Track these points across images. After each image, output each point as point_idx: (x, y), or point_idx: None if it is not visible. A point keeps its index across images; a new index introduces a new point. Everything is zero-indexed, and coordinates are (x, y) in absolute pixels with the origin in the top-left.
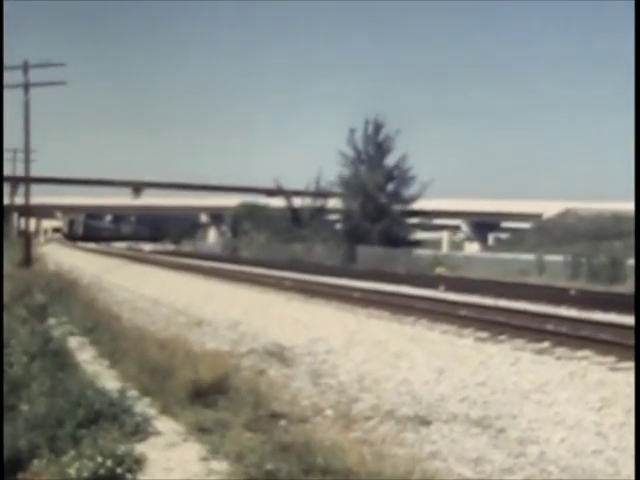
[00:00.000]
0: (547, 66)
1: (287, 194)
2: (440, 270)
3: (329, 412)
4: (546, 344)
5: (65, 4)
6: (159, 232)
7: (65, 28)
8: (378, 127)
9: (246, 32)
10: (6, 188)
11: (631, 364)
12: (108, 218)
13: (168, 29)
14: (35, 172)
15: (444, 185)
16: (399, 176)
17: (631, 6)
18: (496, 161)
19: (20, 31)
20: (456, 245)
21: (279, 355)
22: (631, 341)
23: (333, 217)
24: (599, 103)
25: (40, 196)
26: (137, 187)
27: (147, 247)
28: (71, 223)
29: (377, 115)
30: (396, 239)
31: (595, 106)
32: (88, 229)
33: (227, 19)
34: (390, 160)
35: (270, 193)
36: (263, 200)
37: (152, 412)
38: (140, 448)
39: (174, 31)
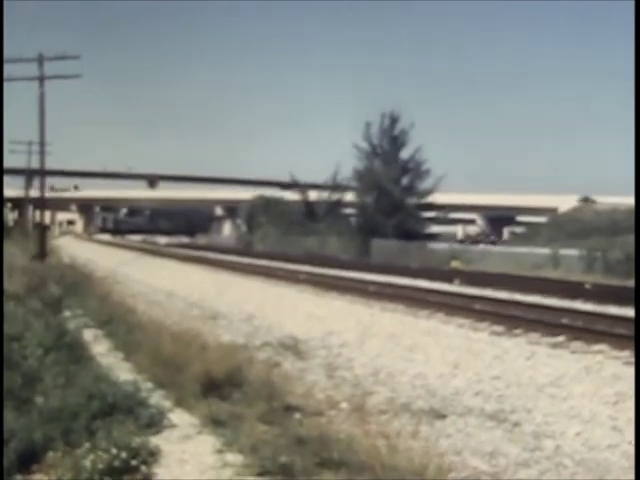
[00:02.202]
0: (562, 62)
1: (302, 187)
2: (455, 264)
3: (344, 405)
4: (561, 338)
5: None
6: (185, 226)
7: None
8: (394, 120)
9: (262, 27)
10: (21, 181)
11: None
12: (124, 211)
13: (187, 29)
14: (50, 165)
15: (459, 179)
16: (414, 169)
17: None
18: (511, 155)
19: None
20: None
21: (293, 348)
22: None
23: (348, 211)
24: (615, 99)
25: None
26: (152, 180)
27: (162, 240)
28: (104, 221)
29: (393, 109)
30: (411, 232)
31: (611, 103)
32: (118, 224)
33: (247, 20)
34: (405, 153)
35: (285, 186)
36: (278, 193)
37: (167, 404)
38: (155, 440)
39: (193, 30)
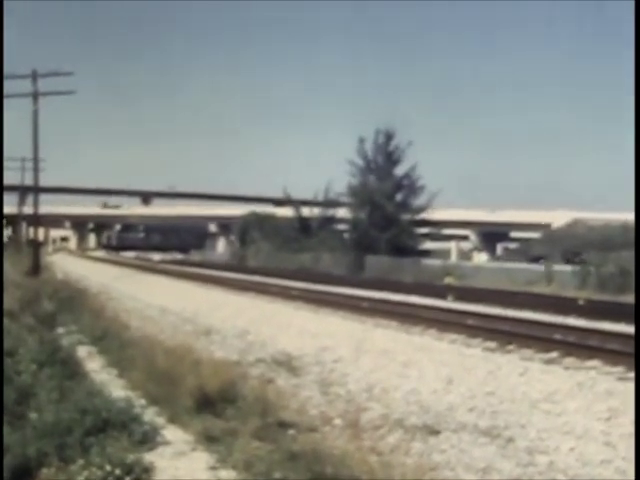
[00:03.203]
0: (556, 74)
1: (295, 204)
2: (449, 280)
3: (338, 421)
4: (554, 354)
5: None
6: (183, 242)
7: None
8: (389, 137)
9: (253, 41)
10: (14, 197)
11: None
12: (117, 228)
13: (175, 41)
14: (44, 181)
15: (453, 195)
16: (408, 186)
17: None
18: (506, 171)
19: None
20: (464, 255)
21: (287, 364)
22: None
23: (341, 227)
24: (608, 113)
25: (49, 205)
26: (146, 197)
27: (156, 257)
28: (108, 237)
29: (388, 125)
30: (404, 249)
31: (605, 115)
32: (121, 240)
33: (231, 28)
34: (399, 170)
35: (278, 203)
36: (270, 209)
37: (160, 421)
38: (149, 457)
39: (181, 43)
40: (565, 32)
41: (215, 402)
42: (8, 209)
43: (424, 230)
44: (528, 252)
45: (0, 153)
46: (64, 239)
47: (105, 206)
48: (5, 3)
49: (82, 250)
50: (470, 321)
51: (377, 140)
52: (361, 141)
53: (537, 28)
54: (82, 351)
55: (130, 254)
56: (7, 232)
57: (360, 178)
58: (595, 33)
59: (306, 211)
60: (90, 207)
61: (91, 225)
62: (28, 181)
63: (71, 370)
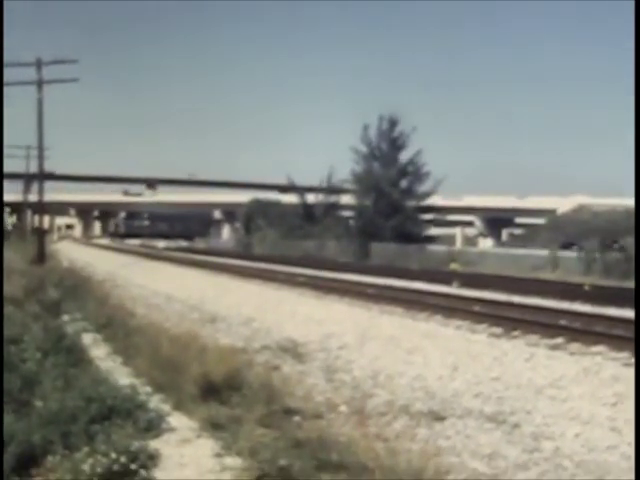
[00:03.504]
0: (562, 61)
1: (300, 190)
2: (454, 266)
3: (343, 408)
4: (560, 340)
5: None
6: (188, 230)
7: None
8: (393, 123)
9: (255, 30)
10: (20, 185)
11: None
12: (122, 215)
13: (186, 32)
14: (49, 169)
15: (458, 181)
16: (413, 172)
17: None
18: (510, 157)
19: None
20: (470, 241)
21: (293, 351)
22: None
23: (346, 213)
24: (615, 100)
25: (53, 193)
26: (151, 184)
27: (161, 244)
28: (116, 225)
29: (392, 111)
30: (410, 235)
31: (611, 103)
32: (128, 227)
33: (235, 19)
34: (404, 156)
35: (283, 189)
36: (275, 196)
37: (166, 408)
38: (154, 444)
39: (192, 32)
40: (579, 23)
41: (220, 389)
42: (13, 197)
43: (429, 216)
44: (558, 238)
45: (0, 141)
46: (69, 227)
47: (126, 194)
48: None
49: (87, 238)
50: (476, 307)
51: (381, 126)
52: (365, 128)
53: (551, 15)
54: (87, 338)
55: (135, 241)
56: (12, 220)
57: (364, 165)
58: (606, 27)
59: (311, 198)
60: (95, 194)
61: (96, 213)
62: (33, 169)
63: (76, 358)
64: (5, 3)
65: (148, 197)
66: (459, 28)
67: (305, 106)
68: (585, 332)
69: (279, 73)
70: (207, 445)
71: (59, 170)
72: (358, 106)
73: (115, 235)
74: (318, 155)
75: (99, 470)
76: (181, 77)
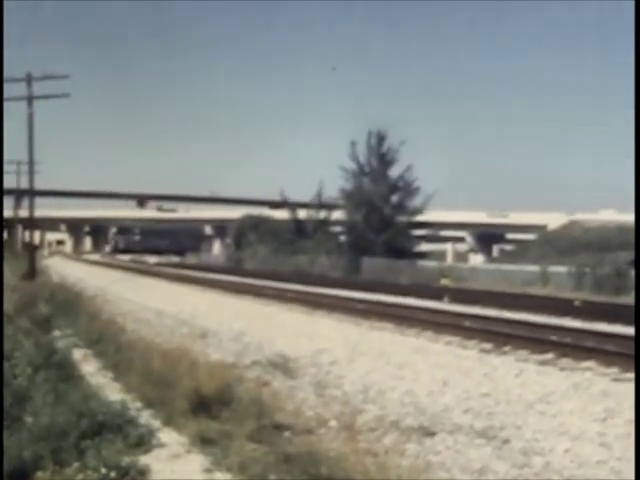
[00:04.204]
0: (550, 74)
1: (291, 206)
2: (445, 281)
3: (333, 423)
4: (550, 355)
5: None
6: (179, 245)
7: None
8: (381, 138)
9: (247, 44)
10: (10, 201)
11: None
12: (113, 230)
13: (167, 43)
14: (39, 185)
15: (449, 196)
16: (403, 187)
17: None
18: (501, 173)
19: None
20: (460, 256)
21: (283, 366)
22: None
23: (337, 229)
24: (604, 114)
25: (44, 209)
26: (142, 200)
27: (152, 259)
28: (116, 242)
29: (380, 127)
30: (400, 250)
31: (600, 116)
32: (128, 244)
33: (226, 30)
34: (394, 171)
35: (274, 205)
36: (266, 212)
37: (156, 423)
38: (144, 459)
39: (174, 44)
40: (564, 33)
41: (211, 404)
42: (4, 212)
43: (420, 232)
44: (549, 253)
45: (0, 156)
46: (60, 242)
47: (160, 209)
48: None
49: (78, 253)
50: (466, 323)
51: (370, 142)
52: (353, 144)
53: (537, 29)
54: (78, 354)
55: (126, 257)
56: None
57: (353, 181)
58: (597, 39)
59: (302, 214)
60: (86, 210)
61: (87, 228)
62: (24, 184)
63: (67, 373)
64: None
65: (182, 213)
66: (447, 43)
67: (295, 121)
68: (575, 347)
69: (269, 89)
70: (197, 460)
71: (49, 186)
72: (348, 122)
73: (115, 251)
74: (309, 171)
75: None
76: (172, 93)
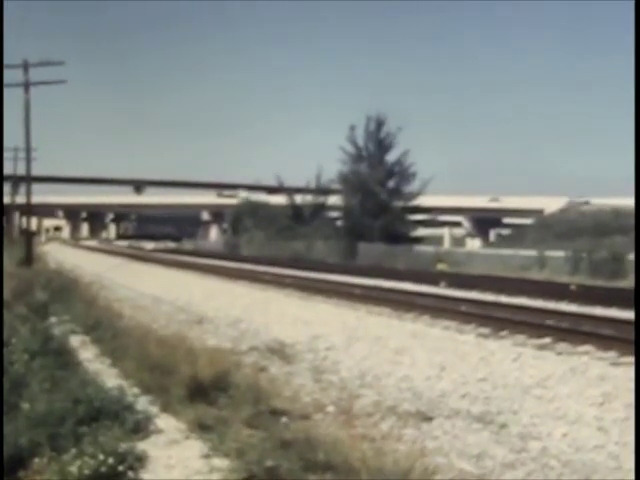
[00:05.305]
0: (546, 63)
1: (288, 191)
2: (441, 266)
3: (330, 408)
4: (547, 340)
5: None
6: (172, 231)
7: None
8: (380, 124)
9: (244, 31)
10: (7, 187)
11: (632, 359)
12: (110, 216)
13: (168, 32)
14: (36, 171)
15: (445, 181)
16: (400, 172)
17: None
18: (497, 157)
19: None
20: (457, 241)
21: (280, 352)
22: (632, 336)
23: (334, 214)
24: (600, 99)
25: (41, 195)
26: (138, 185)
27: (148, 245)
28: (125, 229)
29: (379, 112)
30: (397, 235)
31: (597, 102)
32: (137, 230)
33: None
34: (391, 156)
35: (271, 190)
36: (264, 197)
37: (153, 410)
38: (142, 446)
39: (189, 36)
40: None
41: (208, 390)
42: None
43: (417, 217)
44: (546, 238)
45: (0, 144)
46: (57, 229)
47: (220, 195)
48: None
49: (75, 239)
50: (463, 307)
51: (368, 127)
52: (352, 128)
53: (537, 24)
54: (75, 340)
55: (123, 243)
56: None
57: (351, 165)
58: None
59: (299, 199)
60: (83, 196)
61: (84, 214)
62: (21, 171)
63: (64, 359)
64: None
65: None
66: (446, 32)
67: (293, 107)
68: (572, 332)
69: (268, 75)
70: (195, 446)
71: (46, 172)
72: (345, 107)
73: (124, 237)
74: (306, 156)
75: (87, 472)
76: (171, 78)
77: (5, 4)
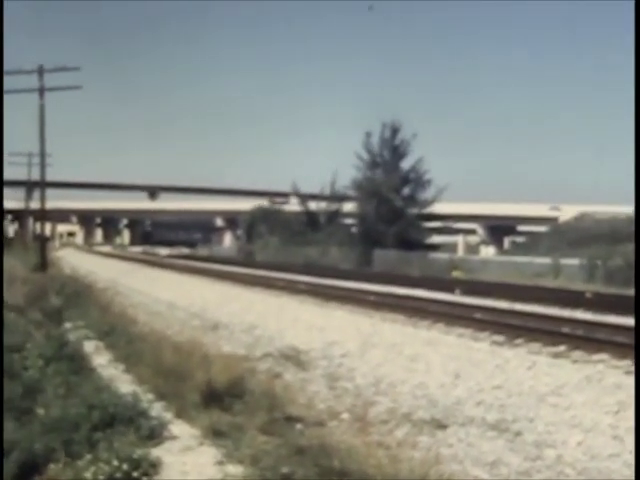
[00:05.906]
0: (561, 69)
1: (303, 197)
2: (456, 274)
3: (345, 415)
4: (562, 348)
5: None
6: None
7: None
8: (395, 131)
9: (258, 31)
10: (21, 192)
11: None
12: (124, 222)
13: (188, 39)
14: (50, 176)
15: (460, 189)
16: (415, 179)
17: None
18: (512, 165)
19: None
20: (471, 249)
21: (295, 359)
22: None
23: (348, 220)
24: (616, 106)
25: (55, 200)
26: (153, 191)
27: (163, 251)
28: (140, 234)
29: (394, 119)
30: (412, 242)
31: (611, 109)
32: (156, 236)
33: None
34: (406, 163)
35: (285, 197)
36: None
37: (168, 416)
38: (156, 452)
39: (194, 40)
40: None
41: (222, 397)
42: (15, 204)
43: (432, 224)
44: (560, 245)
45: (0, 148)
46: (71, 234)
47: (271, 202)
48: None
49: (89, 245)
50: (478, 315)
51: (383, 134)
52: (368, 135)
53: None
54: (89, 346)
55: (137, 249)
56: (14, 227)
57: (366, 172)
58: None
59: (313, 205)
60: (97, 202)
61: (98, 220)
62: (35, 176)
63: (78, 365)
64: (6, 9)
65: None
66: (460, 35)
67: (307, 113)
68: (587, 340)
69: (282, 80)
70: (209, 453)
71: (61, 177)
72: (360, 114)
73: (138, 243)
74: (321, 162)
75: (101, 478)
76: (183, 84)
77: (5, 4)
